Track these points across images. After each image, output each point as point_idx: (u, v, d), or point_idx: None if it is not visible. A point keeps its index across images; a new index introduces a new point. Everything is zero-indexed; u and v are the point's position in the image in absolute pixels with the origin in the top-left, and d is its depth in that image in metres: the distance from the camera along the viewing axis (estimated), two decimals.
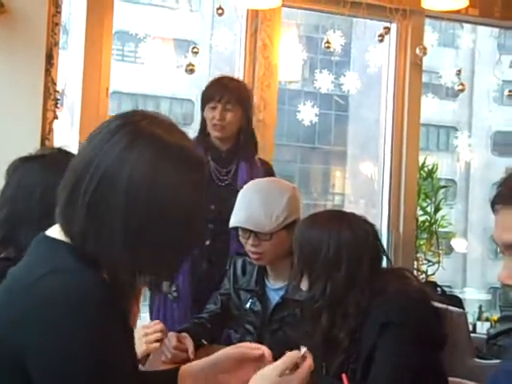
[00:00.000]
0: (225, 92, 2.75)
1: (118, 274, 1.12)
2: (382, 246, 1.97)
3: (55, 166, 2.02)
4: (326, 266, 1.81)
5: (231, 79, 2.96)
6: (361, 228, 1.87)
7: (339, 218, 1.91)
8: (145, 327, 2.02)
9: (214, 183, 2.74)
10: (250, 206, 2.28)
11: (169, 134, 1.13)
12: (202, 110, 2.82)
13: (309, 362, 1.17)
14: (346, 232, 1.84)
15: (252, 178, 2.65)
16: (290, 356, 1.17)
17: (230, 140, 2.81)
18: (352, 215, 1.93)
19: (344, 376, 1.31)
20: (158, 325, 2.04)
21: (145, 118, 1.14)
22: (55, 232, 1.15)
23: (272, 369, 1.16)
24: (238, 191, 2.44)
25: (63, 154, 2.03)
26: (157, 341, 2.00)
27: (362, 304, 1.77)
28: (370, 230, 1.89)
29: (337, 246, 1.81)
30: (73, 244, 1.11)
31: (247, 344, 1.33)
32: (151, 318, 2.80)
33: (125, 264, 1.10)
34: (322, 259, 1.81)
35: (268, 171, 2.92)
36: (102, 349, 1.04)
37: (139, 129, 1.12)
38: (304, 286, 1.89)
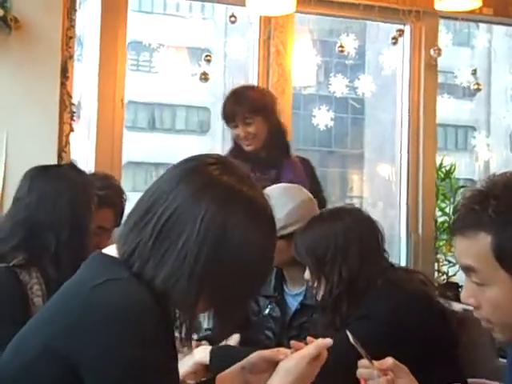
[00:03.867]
0: (239, 109, 2.78)
1: (172, 305, 1.15)
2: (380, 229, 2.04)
3: (74, 177, 2.05)
4: (337, 253, 1.88)
5: (243, 90, 2.96)
6: (356, 213, 2.01)
7: (334, 212, 2.04)
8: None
9: None
10: None
11: (240, 183, 1.17)
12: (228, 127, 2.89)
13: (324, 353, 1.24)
14: (347, 217, 1.95)
15: (296, 177, 2.74)
16: (314, 345, 1.24)
17: (263, 147, 2.83)
18: (343, 206, 2.07)
19: (363, 382, 1.30)
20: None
21: (218, 163, 1.19)
22: (112, 250, 1.19)
23: (299, 358, 1.22)
24: None
25: (74, 169, 2.06)
26: None
27: (373, 276, 1.86)
28: (365, 214, 2.01)
29: (343, 231, 1.90)
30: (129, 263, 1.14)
31: (281, 349, 1.34)
32: None
33: (182, 297, 1.12)
34: (333, 249, 1.88)
35: (308, 168, 2.94)
36: (154, 353, 1.07)
37: (211, 174, 1.17)
38: (320, 293, 1.92)
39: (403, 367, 1.35)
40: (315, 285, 1.96)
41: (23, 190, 1.99)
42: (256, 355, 1.34)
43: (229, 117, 2.82)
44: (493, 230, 1.17)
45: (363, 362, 1.32)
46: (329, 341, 1.25)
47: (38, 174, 2.03)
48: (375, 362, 1.31)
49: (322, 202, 2.98)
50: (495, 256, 1.17)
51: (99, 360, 1.05)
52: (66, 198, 1.95)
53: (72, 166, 2.17)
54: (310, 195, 2.41)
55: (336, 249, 1.89)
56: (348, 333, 1.34)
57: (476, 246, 1.20)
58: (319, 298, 1.95)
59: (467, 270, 1.24)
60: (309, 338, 1.28)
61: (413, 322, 1.80)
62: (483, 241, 1.18)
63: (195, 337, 2.33)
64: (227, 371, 1.38)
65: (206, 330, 2.46)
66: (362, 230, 1.94)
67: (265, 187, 2.72)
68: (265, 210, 1.20)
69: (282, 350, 1.30)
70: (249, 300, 1.33)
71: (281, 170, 2.84)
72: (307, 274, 1.99)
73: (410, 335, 1.79)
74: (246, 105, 2.79)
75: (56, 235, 1.91)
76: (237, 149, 2.87)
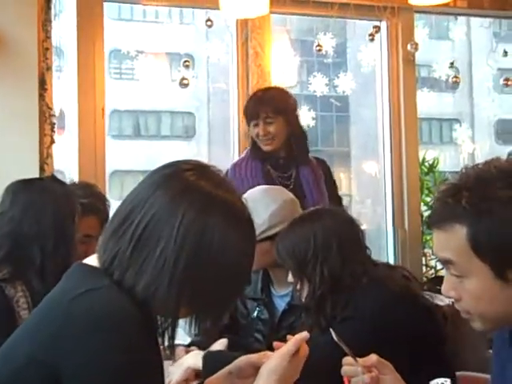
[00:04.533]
0: (261, 108, 2.81)
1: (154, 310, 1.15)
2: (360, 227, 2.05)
3: (56, 189, 2.05)
4: (317, 253, 1.88)
5: (266, 91, 3.03)
6: (335, 212, 2.05)
7: (313, 213, 2.05)
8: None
9: None
10: None
11: (217, 188, 1.18)
12: (248, 125, 2.92)
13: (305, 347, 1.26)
14: (326, 217, 1.97)
15: (316, 177, 2.82)
16: (292, 342, 1.26)
17: (281, 148, 2.87)
18: (322, 207, 2.13)
19: (346, 380, 1.31)
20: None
21: (194, 169, 1.20)
22: (93, 260, 1.19)
23: (280, 357, 1.24)
24: (304, 195, 2.63)
25: (56, 181, 2.06)
26: None
27: (356, 274, 1.85)
28: (344, 213, 2.08)
29: (323, 231, 1.90)
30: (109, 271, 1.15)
31: (268, 353, 1.34)
32: None
33: (163, 303, 1.13)
34: (312, 250, 1.88)
35: (325, 168, 2.99)
36: (139, 359, 1.08)
37: (188, 180, 1.18)
38: (304, 294, 1.92)
39: (388, 364, 1.35)
40: (298, 287, 1.96)
41: (5, 204, 1.99)
42: (243, 359, 1.35)
43: (251, 115, 2.85)
44: (467, 222, 1.18)
45: (347, 359, 1.32)
46: (305, 334, 1.26)
47: (21, 187, 2.02)
48: (359, 360, 1.32)
49: (339, 201, 3.02)
50: (471, 247, 1.19)
51: (84, 368, 1.05)
52: (50, 209, 1.95)
53: (54, 179, 2.17)
54: (292, 196, 2.41)
55: (316, 249, 1.88)
56: (332, 331, 1.35)
57: (452, 239, 1.21)
58: (303, 299, 1.95)
59: (446, 262, 1.25)
60: (288, 336, 1.29)
61: (399, 321, 1.80)
62: (459, 233, 1.19)
63: (185, 343, 2.33)
64: (214, 376, 1.38)
65: (195, 335, 2.46)
66: (341, 229, 1.94)
67: (286, 186, 2.76)
68: (243, 213, 1.20)
69: (269, 353, 1.31)
70: (230, 303, 1.32)
71: (300, 170, 2.88)
72: (290, 277, 1.99)
73: (397, 334, 1.79)
74: (269, 104, 2.82)
75: (41, 247, 1.91)
76: (255, 148, 2.90)
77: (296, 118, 2.96)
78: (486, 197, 1.18)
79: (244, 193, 2.61)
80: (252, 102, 2.92)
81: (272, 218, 2.22)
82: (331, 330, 1.37)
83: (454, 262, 1.23)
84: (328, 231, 1.91)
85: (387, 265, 2.21)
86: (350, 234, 1.96)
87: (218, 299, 1.18)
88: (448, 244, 1.22)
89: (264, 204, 2.25)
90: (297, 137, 2.92)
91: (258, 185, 2.64)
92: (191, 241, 1.12)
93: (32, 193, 2.00)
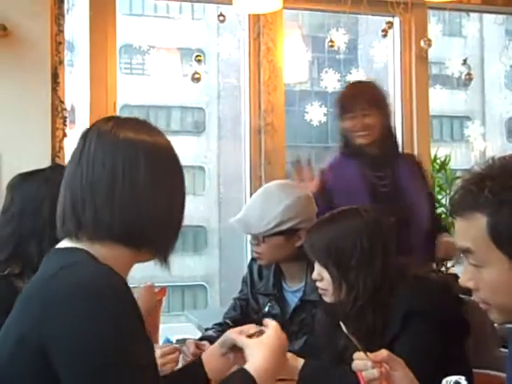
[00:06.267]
0: (358, 100, 2.74)
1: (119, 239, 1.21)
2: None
3: (57, 179, 2.04)
4: (363, 258, 1.78)
5: (361, 83, 3.04)
6: (373, 214, 1.87)
7: (350, 212, 1.90)
8: (163, 354, 1.94)
9: (379, 191, 2.73)
10: (250, 208, 2.32)
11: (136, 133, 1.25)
12: (340, 120, 2.81)
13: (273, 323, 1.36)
14: (368, 219, 1.84)
15: (412, 173, 2.77)
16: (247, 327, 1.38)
17: (375, 143, 2.78)
18: (356, 207, 1.92)
19: (359, 374, 1.30)
20: (177, 353, 1.99)
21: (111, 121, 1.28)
22: (63, 243, 1.24)
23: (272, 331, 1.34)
24: (401, 193, 2.62)
25: (56, 169, 2.03)
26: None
27: (393, 288, 1.75)
28: (376, 214, 1.89)
29: (367, 235, 1.79)
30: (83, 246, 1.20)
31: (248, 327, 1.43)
32: None
33: (118, 226, 1.20)
34: (358, 253, 1.78)
35: (417, 163, 2.94)
36: (122, 323, 1.10)
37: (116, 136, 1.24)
38: (335, 297, 1.84)
39: (399, 360, 1.35)
40: (325, 286, 1.85)
41: (7, 200, 1.98)
42: (228, 336, 1.42)
43: (347, 107, 2.76)
44: (488, 211, 1.18)
45: (359, 354, 1.32)
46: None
47: (19, 182, 2.00)
48: (370, 354, 1.31)
49: (430, 197, 2.98)
50: (491, 236, 1.18)
51: (68, 337, 1.07)
52: (47, 202, 1.91)
53: (54, 168, 2.14)
54: (308, 192, 2.41)
55: (362, 254, 1.77)
56: (341, 324, 1.35)
57: (472, 227, 1.20)
58: (330, 300, 1.85)
59: (465, 251, 1.24)
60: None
61: (453, 314, 1.76)
62: (479, 222, 1.19)
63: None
64: (209, 351, 1.48)
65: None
66: (384, 232, 1.83)
67: (382, 187, 2.73)
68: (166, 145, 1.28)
69: (248, 327, 1.40)
70: (180, 216, 1.31)
71: (395, 167, 2.81)
72: (316, 274, 1.88)
73: (455, 328, 1.75)
74: (366, 96, 2.76)
75: (38, 242, 1.90)
76: (348, 145, 2.82)
77: (390, 112, 2.89)
78: (509, 187, 1.16)
79: (349, 193, 2.61)
80: (348, 94, 2.85)
81: (284, 213, 2.23)
82: (341, 323, 1.36)
83: (472, 251, 1.22)
84: (372, 234, 1.80)
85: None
86: (390, 237, 1.85)
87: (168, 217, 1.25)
88: (468, 233, 1.21)
89: (278, 199, 2.27)
90: (389, 131, 2.86)
91: (357, 184, 2.67)
92: (120, 173, 1.20)
93: (30, 186, 1.98)
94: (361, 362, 1.32)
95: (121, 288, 1.14)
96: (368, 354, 1.32)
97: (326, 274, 1.84)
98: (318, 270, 1.87)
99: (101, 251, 1.20)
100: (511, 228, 1.16)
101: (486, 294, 1.23)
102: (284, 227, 2.23)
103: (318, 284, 1.88)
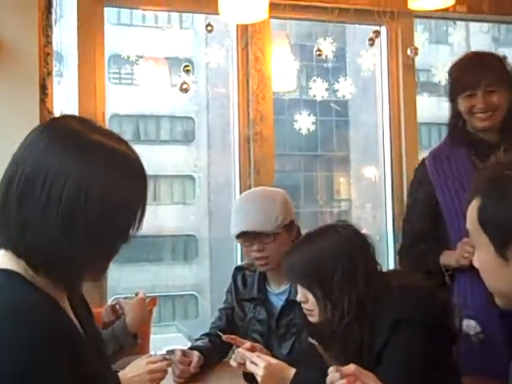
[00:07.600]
0: (483, 74, 2.25)
1: (55, 266, 1.13)
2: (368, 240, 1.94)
3: None
4: (345, 275, 1.78)
5: (483, 55, 2.42)
6: (349, 228, 1.89)
7: (325, 228, 1.92)
8: (149, 362, 1.94)
9: None
10: (247, 216, 2.32)
11: (90, 133, 1.18)
12: (452, 101, 2.37)
13: None
14: (345, 235, 1.85)
15: None
16: None
17: (495, 128, 2.31)
18: (331, 223, 1.94)
19: None
20: (164, 362, 1.98)
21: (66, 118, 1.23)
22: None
23: None
24: None
25: None
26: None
27: (378, 297, 1.76)
28: (353, 230, 1.90)
29: (347, 252, 1.80)
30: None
31: None
32: None
33: (61, 251, 1.12)
34: (340, 271, 1.77)
35: None
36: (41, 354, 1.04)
37: (58, 128, 1.20)
38: (315, 313, 1.84)
39: (369, 374, 1.35)
40: (310, 307, 1.85)
41: None
42: None
43: (468, 83, 2.26)
44: (482, 194, 1.24)
45: (334, 367, 1.35)
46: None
47: None
48: (339, 368, 1.34)
49: None
50: (479, 221, 1.24)
51: None
52: None
53: None
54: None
55: (344, 272, 1.77)
56: (311, 340, 1.36)
57: (471, 209, 1.27)
58: (316, 320, 1.84)
59: (467, 232, 1.30)
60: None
61: (439, 320, 1.76)
62: (475, 205, 1.26)
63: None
64: None
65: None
66: (363, 248, 1.85)
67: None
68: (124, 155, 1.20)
69: None
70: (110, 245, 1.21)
71: None
72: (300, 297, 1.88)
73: (442, 334, 1.76)
74: (493, 71, 2.27)
75: None
76: (460, 131, 2.36)
77: None
78: (500, 176, 1.23)
79: (455, 189, 2.28)
80: (469, 68, 2.31)
81: (283, 208, 2.33)
82: (311, 340, 1.38)
83: (470, 232, 1.28)
84: (351, 250, 1.81)
85: (389, 270, 2.20)
86: (369, 248, 1.86)
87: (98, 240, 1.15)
88: (469, 215, 1.28)
89: (271, 198, 2.36)
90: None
91: (465, 179, 2.25)
92: (61, 183, 1.12)
93: None
94: (333, 374, 1.34)
95: (41, 310, 1.09)
96: (339, 367, 1.34)
97: (310, 296, 1.84)
98: (302, 292, 1.87)
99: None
100: (496, 215, 1.20)
101: (483, 276, 1.28)
102: (287, 221, 2.33)
103: (304, 305, 1.88)
